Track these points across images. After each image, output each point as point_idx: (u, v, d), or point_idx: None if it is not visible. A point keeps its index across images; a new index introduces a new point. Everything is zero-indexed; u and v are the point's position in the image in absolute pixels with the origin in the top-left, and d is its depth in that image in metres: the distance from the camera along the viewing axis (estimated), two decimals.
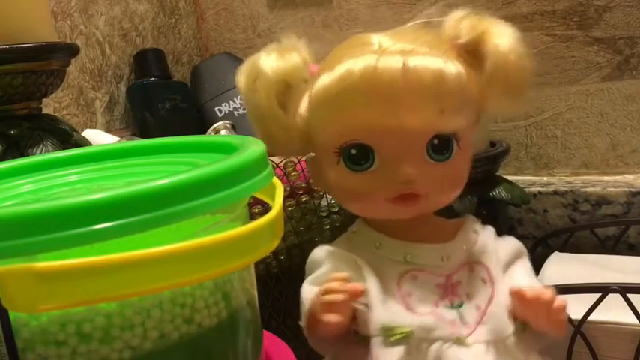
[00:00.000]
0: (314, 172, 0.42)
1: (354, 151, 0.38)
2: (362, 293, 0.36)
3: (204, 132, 0.78)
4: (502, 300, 0.38)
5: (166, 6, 0.93)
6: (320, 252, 0.41)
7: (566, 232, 0.69)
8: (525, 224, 0.73)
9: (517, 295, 0.36)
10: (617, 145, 0.74)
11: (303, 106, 0.39)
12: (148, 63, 0.86)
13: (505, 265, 0.40)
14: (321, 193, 0.60)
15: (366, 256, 0.39)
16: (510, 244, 0.41)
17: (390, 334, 0.36)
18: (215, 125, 0.74)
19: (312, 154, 0.41)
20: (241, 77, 0.41)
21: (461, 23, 0.39)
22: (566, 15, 0.75)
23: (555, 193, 0.71)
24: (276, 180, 0.34)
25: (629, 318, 0.46)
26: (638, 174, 0.73)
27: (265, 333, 0.39)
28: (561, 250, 0.66)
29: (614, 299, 0.45)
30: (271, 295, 0.65)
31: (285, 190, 0.56)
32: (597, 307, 0.46)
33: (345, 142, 0.37)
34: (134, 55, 0.86)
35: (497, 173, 0.68)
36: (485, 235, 0.41)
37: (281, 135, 0.40)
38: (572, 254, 0.64)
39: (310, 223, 0.61)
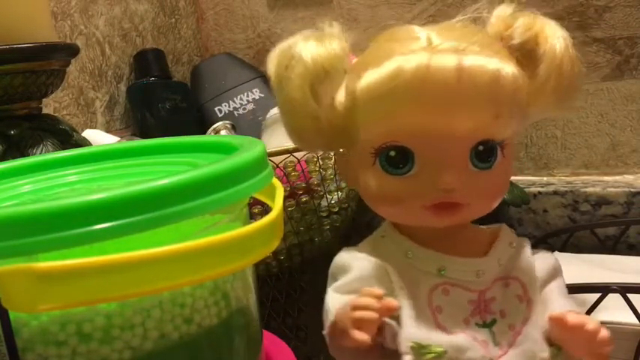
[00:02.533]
0: (342, 169, 0.40)
1: (392, 153, 0.35)
2: (395, 310, 0.34)
3: (204, 132, 0.78)
4: (539, 321, 0.36)
5: (166, 6, 0.93)
6: (346, 257, 0.39)
7: (566, 232, 0.69)
8: (525, 224, 0.73)
9: (558, 322, 0.34)
10: (617, 145, 0.74)
11: (340, 98, 0.37)
12: (148, 63, 0.86)
13: (542, 284, 0.37)
14: (321, 193, 0.60)
15: (396, 265, 0.37)
16: (547, 261, 0.38)
17: (422, 353, 0.34)
18: (215, 125, 0.74)
19: (342, 150, 0.39)
20: (272, 64, 0.38)
21: (515, 22, 0.36)
22: (566, 15, 0.75)
23: (555, 193, 0.71)
24: (276, 181, 0.34)
25: (629, 318, 0.46)
26: (638, 174, 0.73)
27: (265, 333, 0.39)
28: (561, 250, 0.66)
29: (614, 299, 0.45)
30: (271, 295, 0.65)
31: (285, 190, 0.56)
32: (597, 307, 0.46)
33: (384, 143, 0.35)
34: (134, 55, 0.86)
35: None
36: (523, 249, 0.38)
37: (310, 127, 0.37)
38: (572, 254, 0.64)
39: (310, 223, 0.61)
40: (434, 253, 0.37)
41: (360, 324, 0.34)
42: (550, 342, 0.35)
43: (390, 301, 0.34)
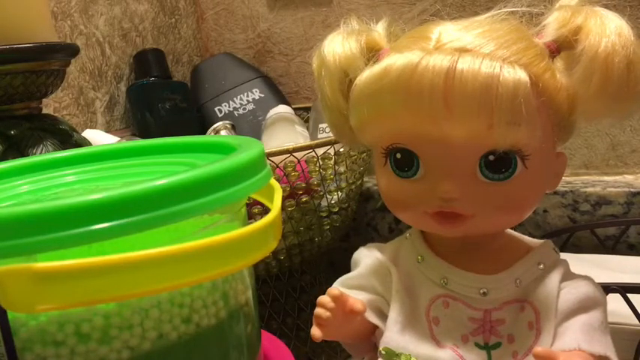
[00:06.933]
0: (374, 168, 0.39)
1: (398, 155, 0.34)
2: (357, 314, 0.34)
3: (204, 132, 0.78)
4: None
5: (166, 6, 0.93)
6: (361, 252, 0.39)
7: (566, 232, 0.69)
8: (525, 224, 0.72)
9: (540, 358, 0.31)
10: (617, 145, 0.74)
11: None
12: (148, 63, 0.86)
13: (563, 317, 0.34)
14: (321, 193, 0.60)
15: (407, 268, 0.37)
16: (577, 292, 0.34)
17: None
18: (215, 125, 0.74)
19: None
20: (313, 61, 0.38)
21: (550, 16, 0.33)
22: None
23: (555, 193, 0.71)
24: (274, 182, 0.34)
25: (629, 318, 0.46)
26: (638, 174, 0.73)
27: (264, 333, 0.39)
28: (561, 250, 0.66)
29: (614, 299, 0.45)
30: (271, 295, 0.65)
31: (285, 190, 0.56)
32: None
33: (390, 144, 0.34)
34: (134, 55, 0.86)
35: None
36: (551, 273, 0.35)
37: (344, 124, 0.37)
38: (572, 254, 0.64)
39: (310, 223, 0.61)
40: (442, 262, 0.36)
41: (316, 320, 0.35)
42: None
43: (353, 303, 0.34)
